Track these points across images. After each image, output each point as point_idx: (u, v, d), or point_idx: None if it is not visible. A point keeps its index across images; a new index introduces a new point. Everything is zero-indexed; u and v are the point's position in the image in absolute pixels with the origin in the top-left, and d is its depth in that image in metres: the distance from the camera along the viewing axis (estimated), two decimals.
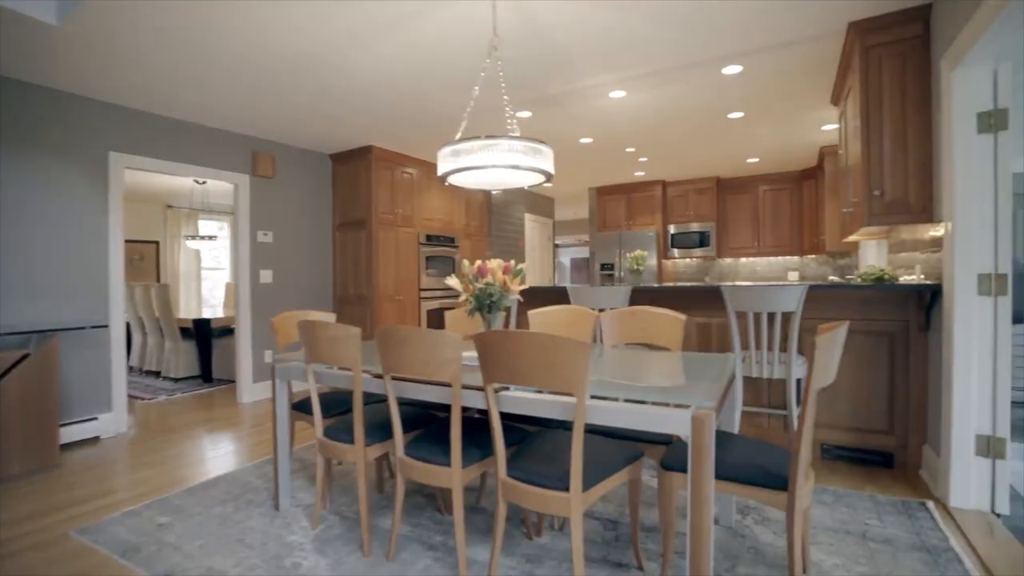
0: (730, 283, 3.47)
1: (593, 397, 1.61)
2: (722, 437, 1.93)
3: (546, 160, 2.30)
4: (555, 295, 4.03)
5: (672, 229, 7.72)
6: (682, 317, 2.45)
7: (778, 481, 1.60)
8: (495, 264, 2.16)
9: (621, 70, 3.65)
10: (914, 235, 3.29)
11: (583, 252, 14.28)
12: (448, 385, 1.86)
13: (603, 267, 7.91)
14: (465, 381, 1.81)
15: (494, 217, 7.69)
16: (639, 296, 3.66)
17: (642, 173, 7.28)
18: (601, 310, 3.22)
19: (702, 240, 7.48)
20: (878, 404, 3.02)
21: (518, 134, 2.36)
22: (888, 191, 2.89)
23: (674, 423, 1.44)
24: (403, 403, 2.64)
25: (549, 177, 2.39)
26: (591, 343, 2.05)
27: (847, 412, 3.10)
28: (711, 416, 1.40)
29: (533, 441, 1.97)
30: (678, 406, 1.48)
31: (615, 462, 1.78)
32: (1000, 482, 2.48)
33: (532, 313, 2.83)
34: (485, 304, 2.18)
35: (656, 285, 3.72)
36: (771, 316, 2.97)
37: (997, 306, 2.39)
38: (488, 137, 2.20)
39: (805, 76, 3.83)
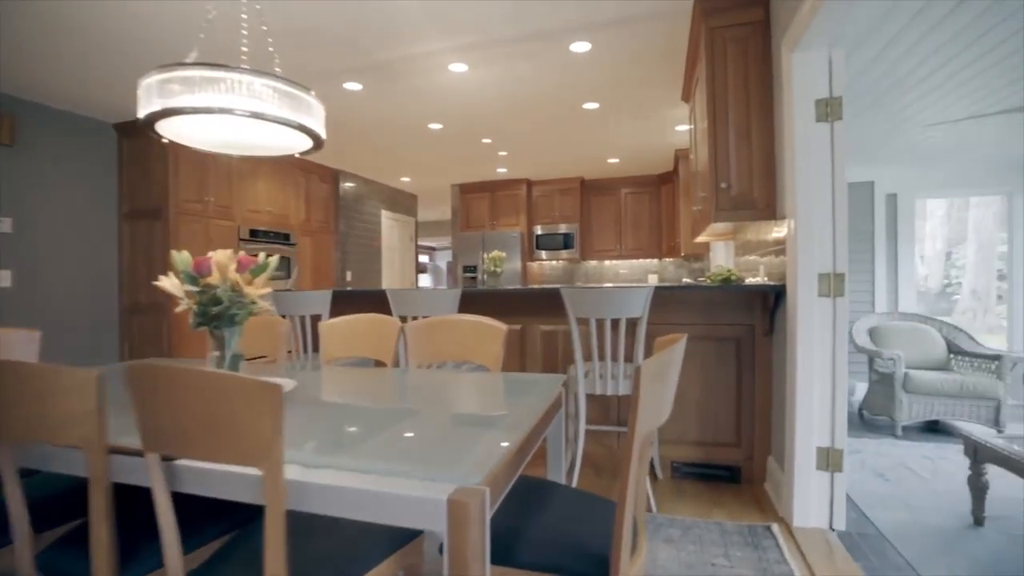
0: (570, 285, 3.05)
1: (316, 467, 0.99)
2: (534, 491, 1.42)
3: (311, 114, 1.64)
4: (371, 300, 3.35)
5: (539, 230, 7.45)
6: (502, 327, 1.94)
7: (595, 567, 1.11)
8: (222, 256, 1.46)
9: (454, 33, 3.11)
10: (758, 235, 3.17)
11: None
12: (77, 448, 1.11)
13: (466, 270, 7.41)
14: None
15: (344, 212, 6.82)
16: (474, 301, 3.15)
17: (504, 170, 6.90)
18: (413, 318, 2.64)
19: (567, 242, 7.30)
20: (725, 415, 2.80)
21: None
22: (734, 185, 2.67)
23: (418, 513, 0.87)
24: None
25: (318, 142, 1.73)
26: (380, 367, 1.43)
27: (695, 425, 2.85)
28: (480, 500, 0.86)
29: (250, 536, 1.29)
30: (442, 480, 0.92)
31: (371, 552, 1.18)
32: (838, 496, 2.32)
33: (322, 325, 2.16)
34: (211, 315, 1.47)
35: (495, 288, 3.24)
36: (616, 323, 2.60)
37: (836, 308, 2.21)
38: (217, 67, 1.49)
39: (656, 64, 3.61)
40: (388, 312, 2.85)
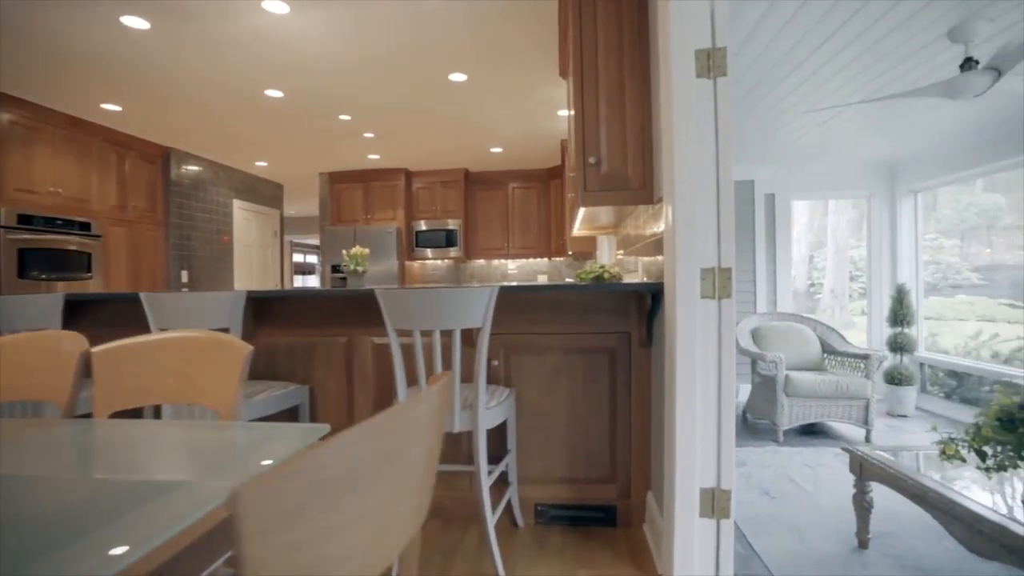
0: (391, 287, 2.41)
1: None
2: None
3: None
4: (119, 308, 2.41)
5: (420, 226, 6.73)
6: (241, 349, 1.23)
7: None
8: None
9: None
10: (638, 227, 2.73)
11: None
12: None
13: (335, 269, 6.50)
14: None
15: (179, 200, 5.62)
16: (275, 308, 2.40)
17: (377, 157, 6.10)
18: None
19: (450, 239, 6.65)
20: (599, 445, 2.29)
21: None
22: (605, 161, 2.17)
23: None
24: None
25: None
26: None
27: (563, 459, 2.31)
28: None
29: None
30: None
31: None
32: (724, 546, 1.87)
33: None
34: None
35: (301, 291, 2.50)
36: (450, 335, 1.98)
37: (722, 312, 1.76)
38: None
39: (527, 26, 3.07)
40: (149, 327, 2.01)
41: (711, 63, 1.75)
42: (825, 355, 4.45)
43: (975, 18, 2.35)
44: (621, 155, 2.14)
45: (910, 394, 4.69)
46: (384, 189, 6.67)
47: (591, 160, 2.13)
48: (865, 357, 4.02)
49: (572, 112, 2.22)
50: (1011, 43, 2.16)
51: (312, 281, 12.58)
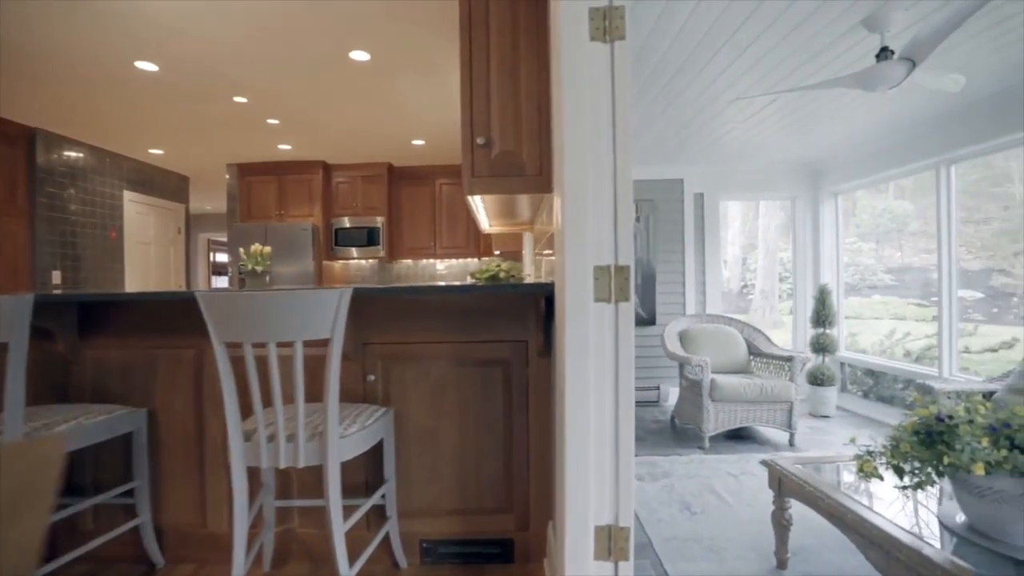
0: (214, 290, 2.02)
1: None
2: None
3: None
4: None
5: (345, 223, 6.25)
6: None
7: None
8: None
9: None
10: (543, 224, 2.47)
11: None
12: None
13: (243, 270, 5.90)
14: None
15: (50, 189, 4.90)
16: (102, 316, 1.97)
17: (288, 147, 5.58)
18: None
19: (372, 238, 6.21)
20: (493, 470, 2.00)
21: None
22: (497, 142, 1.88)
23: None
24: None
25: None
26: None
27: (453, 487, 2.00)
28: None
29: None
30: None
31: None
32: None
33: None
34: None
35: (119, 293, 2.07)
36: (291, 348, 1.62)
37: (619, 317, 1.50)
38: None
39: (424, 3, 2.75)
40: None
41: (607, 24, 1.49)
42: (752, 357, 4.38)
43: (889, 7, 2.24)
44: (515, 135, 1.85)
45: (831, 394, 4.71)
46: (299, 183, 6.15)
47: (479, 141, 1.83)
48: (789, 359, 3.96)
49: (461, 84, 1.92)
50: (923, 32, 2.04)
51: (223, 282, 11.67)
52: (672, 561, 2.32)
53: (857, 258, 5.46)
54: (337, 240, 6.21)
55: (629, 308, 1.48)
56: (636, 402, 5.14)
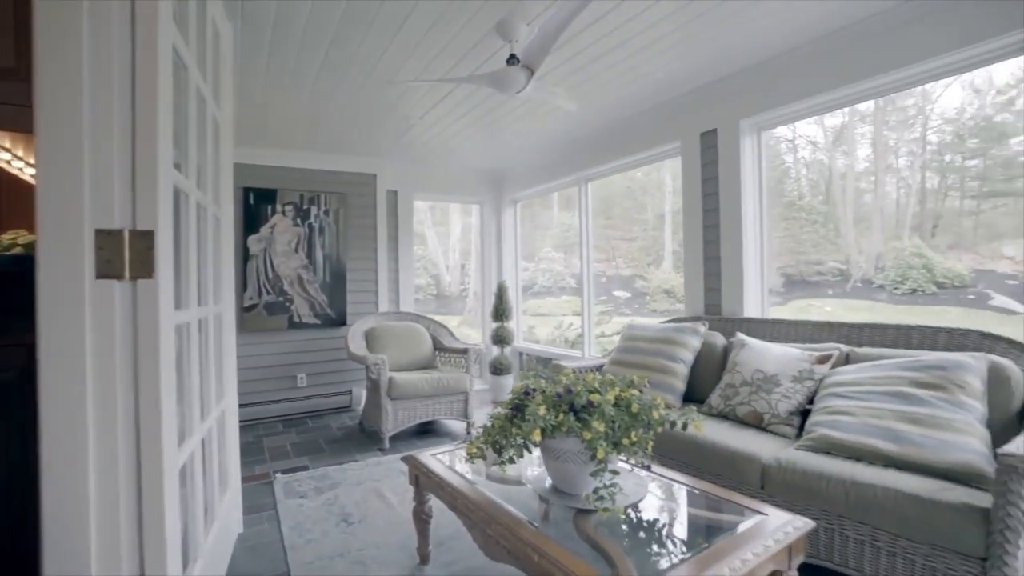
0: None
1: None
2: None
3: None
4: None
5: None
6: None
7: None
8: None
9: None
10: None
11: None
12: None
13: None
14: None
15: None
16: None
17: None
18: None
19: None
20: None
21: None
22: None
23: None
24: None
25: None
26: None
27: None
28: None
29: None
30: None
31: None
32: None
33: None
34: None
35: None
36: None
37: (138, 301, 1.11)
38: None
39: None
40: None
41: None
42: (437, 352, 4.48)
43: (515, 18, 2.43)
44: None
45: (510, 382, 5.19)
46: None
47: None
48: (464, 351, 4.15)
49: None
50: (533, 42, 2.26)
51: None
52: None
53: (552, 265, 6.36)
54: None
55: (154, 287, 1.10)
56: (325, 409, 4.76)
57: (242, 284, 4.38)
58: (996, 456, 1.38)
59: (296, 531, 2.50)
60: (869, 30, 2.52)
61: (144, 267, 1.09)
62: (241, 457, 2.66)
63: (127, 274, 1.07)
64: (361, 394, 4.83)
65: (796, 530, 1.41)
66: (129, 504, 1.08)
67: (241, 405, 3.91)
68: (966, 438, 1.60)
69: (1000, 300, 3.62)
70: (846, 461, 1.81)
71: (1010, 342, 1.90)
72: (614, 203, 6.72)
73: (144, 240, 1.09)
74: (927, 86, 3.84)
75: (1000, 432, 1.67)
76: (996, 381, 1.74)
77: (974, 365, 1.76)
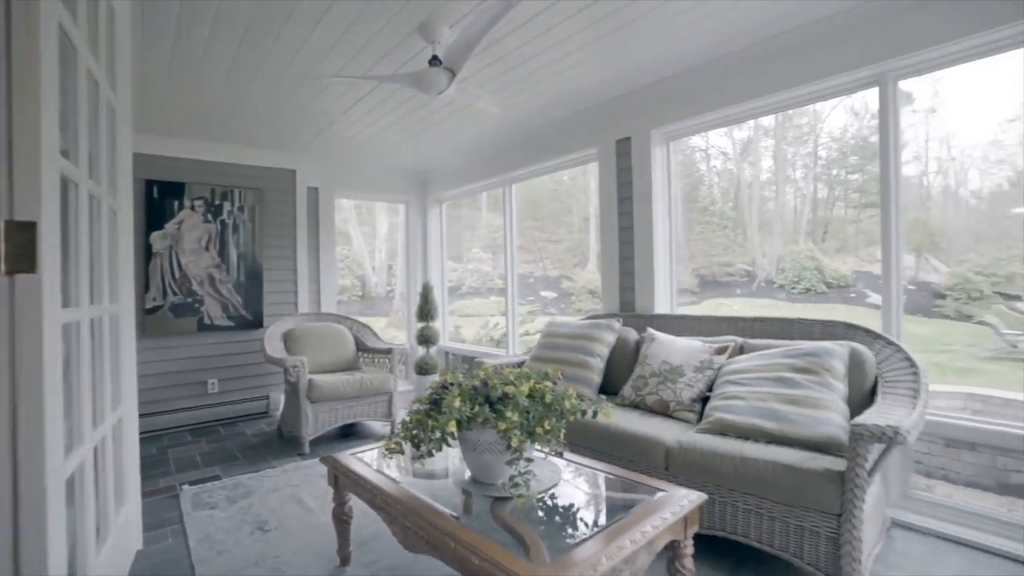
0: None
1: None
2: None
3: None
4: None
5: None
6: None
7: None
8: None
9: None
10: None
11: None
12: None
13: None
14: None
15: None
16: None
17: None
18: None
19: None
20: None
21: None
22: None
23: None
24: None
25: None
26: None
27: None
28: None
29: None
30: None
31: None
32: None
33: None
34: None
35: None
36: None
37: (16, 298, 1.03)
38: None
39: None
40: None
41: None
42: (360, 353, 4.39)
43: (434, 18, 2.45)
44: None
45: None
46: None
47: None
48: (388, 352, 4.11)
49: None
50: (455, 44, 2.30)
51: None
52: None
53: (480, 266, 6.38)
54: None
55: (37, 282, 1.03)
56: (240, 416, 4.52)
57: (144, 284, 4.06)
58: (850, 427, 1.60)
59: (205, 544, 2.38)
60: (769, 51, 2.78)
61: (25, 261, 1.02)
62: (143, 470, 2.48)
63: (2, 268, 1.00)
64: (279, 399, 4.64)
65: (690, 503, 1.55)
66: (2, 520, 1.00)
67: (144, 415, 3.62)
68: (831, 414, 1.84)
69: (874, 298, 4.11)
70: (736, 440, 2.01)
71: (867, 331, 2.21)
72: (541, 205, 6.91)
73: (25, 232, 1.02)
74: (817, 106, 4.30)
75: (856, 407, 1.94)
76: (855, 364, 2.02)
77: (839, 351, 2.03)
